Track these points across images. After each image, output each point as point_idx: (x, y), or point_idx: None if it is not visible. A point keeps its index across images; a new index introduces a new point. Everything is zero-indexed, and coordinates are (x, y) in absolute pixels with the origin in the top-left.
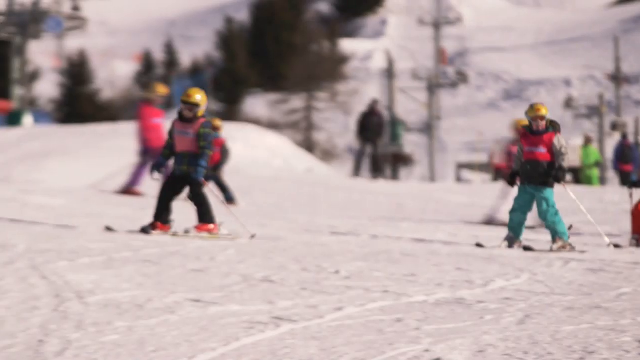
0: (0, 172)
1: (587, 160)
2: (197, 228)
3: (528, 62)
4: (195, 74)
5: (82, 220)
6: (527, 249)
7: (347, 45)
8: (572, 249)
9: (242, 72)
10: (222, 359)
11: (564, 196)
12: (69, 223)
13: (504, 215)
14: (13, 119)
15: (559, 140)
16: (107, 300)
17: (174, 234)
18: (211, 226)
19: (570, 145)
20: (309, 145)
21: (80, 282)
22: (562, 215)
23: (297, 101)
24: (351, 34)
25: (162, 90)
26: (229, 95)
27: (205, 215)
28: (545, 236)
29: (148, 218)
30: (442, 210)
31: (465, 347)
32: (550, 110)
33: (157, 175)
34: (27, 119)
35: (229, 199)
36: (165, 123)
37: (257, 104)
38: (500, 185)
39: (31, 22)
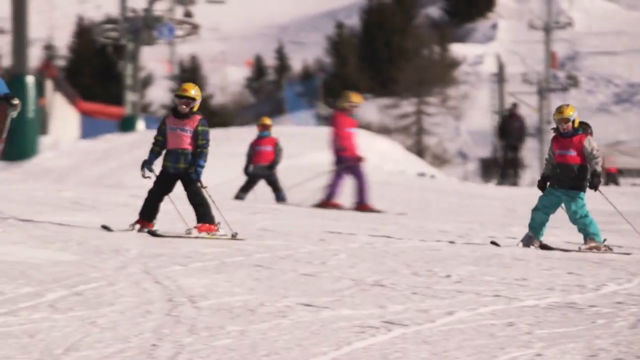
0: (112, 177)
1: None
2: (198, 228)
3: None
4: (306, 79)
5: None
6: (545, 247)
7: (457, 49)
8: (608, 250)
9: (352, 77)
10: None
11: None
12: (182, 227)
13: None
14: (125, 125)
15: (589, 143)
16: (219, 305)
17: (187, 234)
18: (212, 226)
19: None
20: (419, 150)
21: (193, 286)
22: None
23: (407, 106)
24: (461, 38)
25: (356, 99)
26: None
27: (205, 215)
28: (577, 237)
29: (260, 222)
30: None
31: (577, 352)
32: None
33: (147, 173)
34: (140, 125)
35: (281, 198)
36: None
37: (367, 108)
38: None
39: (144, 29)
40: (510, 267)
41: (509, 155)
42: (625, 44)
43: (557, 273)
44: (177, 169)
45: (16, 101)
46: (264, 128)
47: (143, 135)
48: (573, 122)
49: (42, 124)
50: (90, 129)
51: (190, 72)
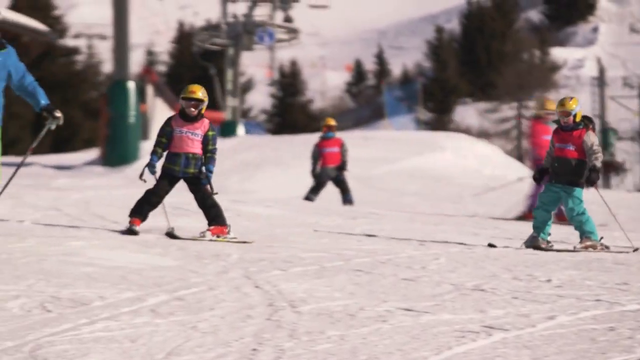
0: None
1: None
2: (211, 231)
3: None
4: (406, 84)
5: (295, 230)
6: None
7: (557, 53)
8: (605, 248)
9: (452, 81)
10: None
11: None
12: (281, 233)
13: None
14: (226, 130)
15: (589, 137)
16: (319, 309)
17: (201, 237)
18: (223, 228)
19: None
20: (519, 154)
21: (293, 291)
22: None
23: (507, 110)
24: (562, 42)
25: (551, 106)
26: (439, 104)
27: (218, 217)
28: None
29: (360, 227)
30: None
31: None
32: None
33: (149, 176)
34: (240, 130)
35: (348, 200)
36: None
37: (467, 113)
38: None
39: (244, 34)
40: (612, 272)
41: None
42: None
43: None
44: (187, 173)
45: (59, 114)
46: (329, 129)
47: (243, 140)
48: (575, 116)
49: (143, 130)
50: None
51: (290, 77)
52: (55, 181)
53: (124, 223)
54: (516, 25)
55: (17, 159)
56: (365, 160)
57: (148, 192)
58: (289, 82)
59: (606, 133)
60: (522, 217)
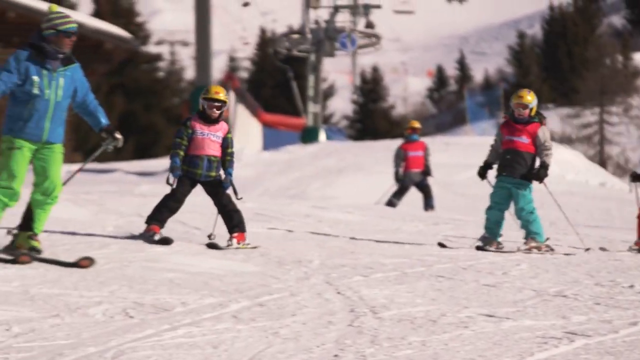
0: (295, 188)
1: None
2: (237, 238)
3: None
4: (487, 89)
5: (376, 236)
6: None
7: None
8: (550, 250)
9: (534, 86)
10: None
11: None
12: (363, 238)
13: None
14: (307, 136)
15: (544, 133)
16: (401, 315)
17: (228, 246)
18: (245, 235)
19: None
20: (601, 160)
21: (375, 297)
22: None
23: (589, 115)
24: None
25: None
26: None
27: (242, 223)
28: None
29: (443, 232)
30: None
31: None
32: None
33: (173, 180)
34: (321, 136)
35: (430, 205)
36: None
37: (549, 118)
38: None
39: (326, 40)
40: None
41: None
42: None
43: None
44: (209, 176)
45: (119, 135)
46: (413, 131)
47: (325, 146)
48: (531, 109)
49: None
50: (272, 140)
51: (371, 83)
52: (138, 187)
53: (207, 229)
54: (599, 30)
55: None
56: (446, 165)
57: (167, 198)
58: (370, 88)
59: None
60: None
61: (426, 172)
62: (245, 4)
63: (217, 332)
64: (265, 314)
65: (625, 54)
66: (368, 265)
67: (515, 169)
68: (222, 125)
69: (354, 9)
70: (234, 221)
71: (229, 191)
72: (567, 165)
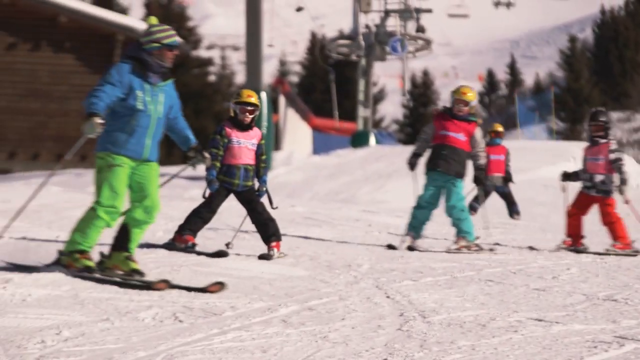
0: (345, 192)
1: None
2: (276, 246)
3: None
4: (538, 94)
5: (425, 240)
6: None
7: None
8: (480, 249)
9: (585, 90)
10: None
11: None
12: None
13: None
14: (357, 140)
15: (479, 133)
16: (450, 319)
17: (270, 257)
18: (280, 243)
19: None
20: None
21: (424, 301)
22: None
23: None
24: None
25: None
26: (572, 114)
27: (278, 231)
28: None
29: (494, 236)
30: None
31: None
32: None
33: (210, 192)
34: (371, 140)
35: (516, 211)
36: None
37: None
38: None
39: (376, 44)
40: None
41: None
42: None
43: None
44: (245, 186)
45: (208, 155)
46: (497, 135)
47: (375, 151)
48: (470, 107)
49: (275, 140)
50: (322, 144)
51: (421, 87)
52: (188, 192)
53: (255, 234)
54: None
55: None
56: None
57: (201, 207)
58: (420, 92)
59: None
60: None
61: (507, 177)
62: (299, 9)
63: (267, 337)
64: (315, 318)
65: None
66: (417, 270)
67: (451, 165)
68: (256, 132)
69: (404, 13)
70: (270, 230)
71: (264, 199)
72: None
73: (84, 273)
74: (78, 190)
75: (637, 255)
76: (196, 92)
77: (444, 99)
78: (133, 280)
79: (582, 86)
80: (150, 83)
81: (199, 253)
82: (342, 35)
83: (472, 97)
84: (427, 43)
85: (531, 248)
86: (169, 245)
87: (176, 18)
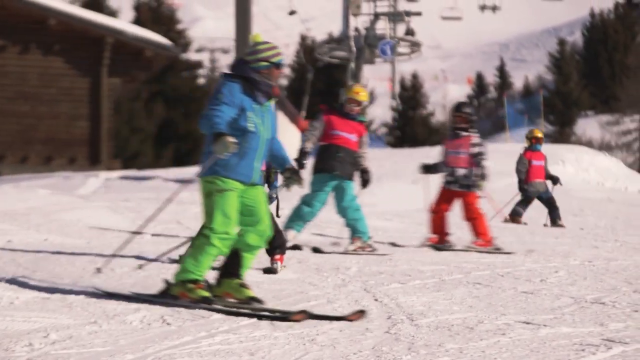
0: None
1: None
2: (280, 259)
3: None
4: (527, 97)
5: (415, 243)
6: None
7: None
8: (373, 250)
9: (574, 93)
10: None
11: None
12: (401, 245)
13: None
14: None
15: (366, 136)
16: (438, 322)
17: (274, 269)
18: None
19: None
20: None
21: (412, 304)
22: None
23: (629, 123)
24: None
25: None
26: (561, 117)
27: (284, 245)
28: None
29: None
30: None
31: None
32: None
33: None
34: None
35: (558, 216)
36: None
37: (589, 125)
38: None
39: (365, 47)
40: None
41: None
42: None
43: None
44: None
45: (302, 177)
46: (537, 141)
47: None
48: (362, 108)
49: None
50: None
51: (411, 90)
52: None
53: None
54: (639, 37)
55: (139, 173)
56: None
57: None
58: (410, 96)
59: None
60: None
61: (555, 179)
62: (292, 12)
63: (254, 339)
64: (303, 321)
65: None
66: (405, 272)
67: (346, 169)
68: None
69: (394, 16)
70: (276, 242)
71: (272, 207)
72: (606, 172)
73: (201, 304)
74: (66, 193)
75: (499, 254)
76: (185, 95)
77: (433, 102)
78: (265, 311)
79: (571, 89)
80: (259, 103)
81: None
82: (331, 38)
83: (364, 97)
84: (417, 46)
85: (393, 244)
86: None
87: (165, 21)
